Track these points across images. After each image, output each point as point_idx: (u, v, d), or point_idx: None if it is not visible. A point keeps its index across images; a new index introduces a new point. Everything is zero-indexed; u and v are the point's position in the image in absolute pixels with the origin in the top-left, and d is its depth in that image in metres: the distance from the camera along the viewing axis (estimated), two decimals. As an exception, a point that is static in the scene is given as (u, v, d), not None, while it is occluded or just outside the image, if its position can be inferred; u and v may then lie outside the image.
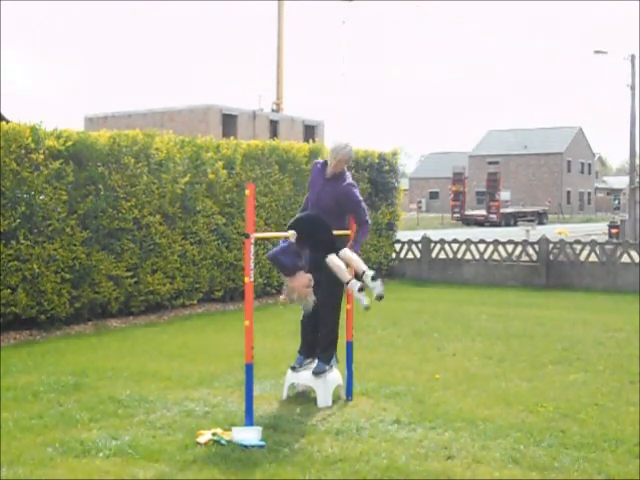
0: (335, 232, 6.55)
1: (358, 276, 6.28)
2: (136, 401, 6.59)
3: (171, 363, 8.15)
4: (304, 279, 6.05)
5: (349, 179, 6.89)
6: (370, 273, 6.19)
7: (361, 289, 6.11)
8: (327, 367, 6.76)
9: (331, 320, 6.86)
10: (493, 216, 53.49)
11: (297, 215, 6.70)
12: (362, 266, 6.31)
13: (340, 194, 6.73)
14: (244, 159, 13.11)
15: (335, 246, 6.34)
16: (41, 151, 10.18)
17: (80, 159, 10.70)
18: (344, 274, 6.21)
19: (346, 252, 6.36)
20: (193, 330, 10.44)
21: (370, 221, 6.89)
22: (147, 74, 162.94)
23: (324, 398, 6.54)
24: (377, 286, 6.16)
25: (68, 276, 10.42)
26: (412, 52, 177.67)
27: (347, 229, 6.86)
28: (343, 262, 6.29)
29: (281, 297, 6.37)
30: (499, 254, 16.10)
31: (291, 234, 6.23)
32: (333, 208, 6.69)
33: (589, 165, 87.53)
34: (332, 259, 6.21)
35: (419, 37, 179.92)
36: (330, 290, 6.67)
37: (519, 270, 15.82)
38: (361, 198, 6.88)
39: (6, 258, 9.75)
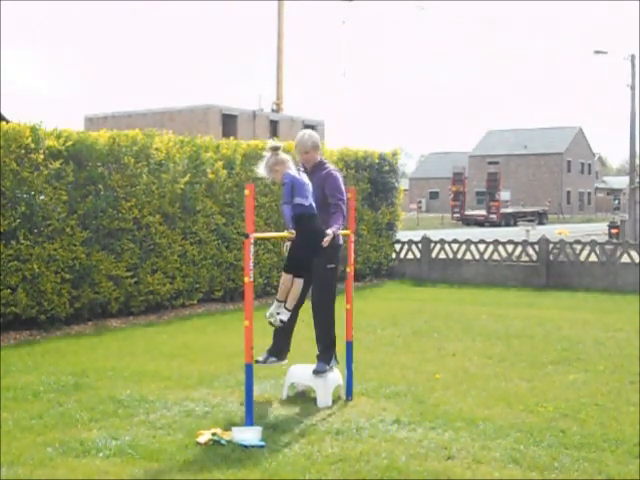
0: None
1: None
2: (136, 401, 6.59)
3: (171, 363, 8.15)
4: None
5: (330, 166, 6.93)
6: (282, 315, 6.34)
7: (271, 316, 6.36)
8: (327, 367, 6.77)
9: (326, 321, 6.87)
10: (493, 216, 53.49)
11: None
12: (291, 300, 6.40)
13: (322, 180, 6.74)
14: (244, 159, 13.11)
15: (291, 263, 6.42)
16: (41, 151, 10.18)
17: (80, 159, 10.70)
18: (278, 293, 6.40)
19: (289, 276, 6.42)
20: (193, 330, 10.44)
21: (344, 206, 6.70)
22: (147, 74, 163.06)
23: (324, 398, 6.54)
24: (283, 314, 6.35)
25: (68, 276, 10.42)
26: (412, 52, 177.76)
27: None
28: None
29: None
30: (499, 254, 16.09)
31: (291, 234, 6.23)
32: (321, 198, 6.62)
33: (589, 165, 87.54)
34: (284, 276, 6.38)
35: (419, 37, 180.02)
36: (323, 291, 6.75)
37: (519, 270, 15.82)
38: (341, 181, 6.84)
39: (6, 258, 9.75)
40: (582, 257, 15.34)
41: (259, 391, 6.80)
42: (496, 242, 16.25)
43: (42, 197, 10.19)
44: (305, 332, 9.93)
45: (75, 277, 10.53)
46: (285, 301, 6.37)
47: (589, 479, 4.89)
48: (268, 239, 13.00)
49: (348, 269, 6.88)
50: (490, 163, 62.02)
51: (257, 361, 6.80)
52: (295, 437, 5.65)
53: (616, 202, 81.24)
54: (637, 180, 37.01)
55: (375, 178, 16.50)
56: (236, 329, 9.36)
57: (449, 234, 21.99)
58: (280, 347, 6.92)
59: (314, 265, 6.52)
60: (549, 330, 10.26)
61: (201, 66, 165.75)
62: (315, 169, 6.82)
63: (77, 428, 5.84)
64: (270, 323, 6.46)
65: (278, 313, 6.35)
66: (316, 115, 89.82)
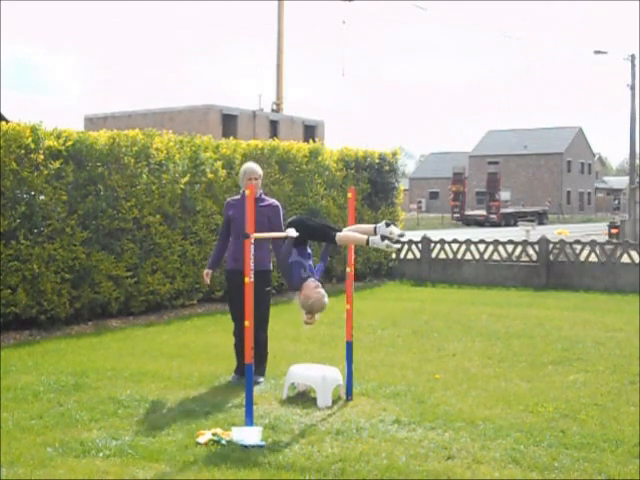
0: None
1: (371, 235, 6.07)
2: (136, 401, 6.59)
3: (171, 363, 8.15)
4: (310, 287, 5.91)
5: (268, 199, 7.72)
6: (381, 224, 6.01)
7: (383, 238, 5.91)
8: (261, 379, 7.21)
9: (262, 337, 7.30)
10: (493, 216, 53.49)
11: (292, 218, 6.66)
12: (369, 227, 6.15)
13: (268, 209, 7.46)
14: (244, 159, 13.09)
15: (331, 234, 6.13)
16: (41, 151, 10.18)
17: (80, 159, 10.70)
18: (359, 238, 5.99)
19: (342, 232, 6.23)
20: (193, 330, 10.44)
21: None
22: (147, 74, 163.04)
23: (324, 398, 6.54)
24: (394, 230, 5.97)
25: (68, 276, 10.42)
26: (412, 52, 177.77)
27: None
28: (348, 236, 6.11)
29: (304, 319, 6.01)
30: (499, 254, 16.09)
31: (289, 233, 6.23)
32: (267, 224, 7.31)
33: (589, 165, 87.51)
34: (340, 235, 6.02)
35: (419, 37, 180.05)
36: (261, 311, 6.93)
37: (519, 270, 15.81)
38: (281, 213, 7.75)
39: (6, 258, 9.75)
40: (582, 257, 15.33)
41: (259, 391, 6.81)
42: (496, 242, 16.24)
43: (42, 197, 10.19)
44: (305, 332, 9.94)
45: (75, 277, 10.53)
46: (371, 231, 6.03)
47: (589, 479, 4.89)
48: (268, 239, 12.97)
49: (348, 269, 6.88)
50: (490, 163, 61.91)
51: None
52: (295, 437, 5.65)
53: (616, 202, 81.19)
54: (637, 180, 36.99)
55: (375, 178, 16.50)
56: (236, 329, 9.35)
57: (449, 234, 21.98)
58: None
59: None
60: (549, 330, 10.26)
61: (201, 66, 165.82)
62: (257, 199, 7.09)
63: (77, 428, 5.84)
64: (401, 236, 5.95)
65: (383, 238, 5.89)
66: (316, 115, 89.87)
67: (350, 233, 6.09)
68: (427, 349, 8.99)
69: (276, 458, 5.18)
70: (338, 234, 6.02)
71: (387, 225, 5.97)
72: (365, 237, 5.94)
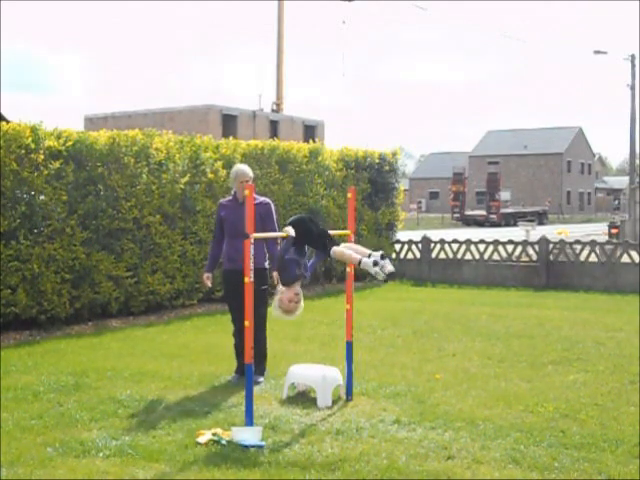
0: (334, 232, 6.59)
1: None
2: (136, 401, 6.59)
3: (171, 363, 8.15)
4: (291, 293, 5.93)
5: (259, 197, 7.49)
6: (378, 253, 6.02)
7: (375, 263, 5.94)
8: (261, 379, 7.24)
9: (261, 337, 7.32)
10: (493, 216, 53.49)
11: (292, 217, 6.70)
12: (365, 250, 6.14)
13: (260, 208, 7.24)
14: (244, 159, 13.10)
15: (327, 245, 6.17)
16: (41, 151, 10.18)
17: (80, 159, 10.70)
18: (353, 257, 5.99)
19: (339, 247, 6.25)
20: (193, 330, 10.44)
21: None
22: (147, 74, 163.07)
23: (324, 398, 6.54)
24: (387, 264, 6.00)
25: (68, 276, 10.42)
26: (413, 52, 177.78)
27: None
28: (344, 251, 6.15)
29: (274, 312, 6.07)
30: (499, 254, 16.08)
31: (288, 231, 6.23)
32: (259, 222, 7.05)
33: (589, 165, 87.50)
34: (335, 249, 6.05)
35: (419, 37, 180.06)
36: (257, 310, 6.87)
37: (519, 270, 15.81)
38: (274, 210, 7.71)
39: (6, 258, 9.75)
40: (582, 257, 15.33)
41: (259, 391, 6.81)
42: (496, 242, 16.24)
43: (42, 197, 10.19)
44: (305, 333, 9.94)
45: (75, 277, 10.53)
46: (365, 254, 6.00)
47: (589, 479, 4.89)
48: (267, 239, 12.97)
49: (348, 269, 6.88)
50: (490, 163, 61.92)
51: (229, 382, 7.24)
52: (295, 437, 5.65)
53: (616, 202, 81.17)
54: (637, 180, 37.00)
55: (375, 178, 16.50)
56: (236, 329, 9.34)
57: (449, 234, 21.98)
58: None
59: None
60: (549, 330, 10.25)
61: (201, 66, 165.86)
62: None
63: (77, 428, 5.84)
64: (390, 273, 5.99)
65: (375, 263, 5.91)
66: (316, 115, 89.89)
67: (345, 250, 6.05)
68: (427, 349, 8.99)
69: (276, 458, 5.18)
70: (334, 248, 6.01)
71: (382, 257, 5.97)
72: (358, 257, 5.92)
